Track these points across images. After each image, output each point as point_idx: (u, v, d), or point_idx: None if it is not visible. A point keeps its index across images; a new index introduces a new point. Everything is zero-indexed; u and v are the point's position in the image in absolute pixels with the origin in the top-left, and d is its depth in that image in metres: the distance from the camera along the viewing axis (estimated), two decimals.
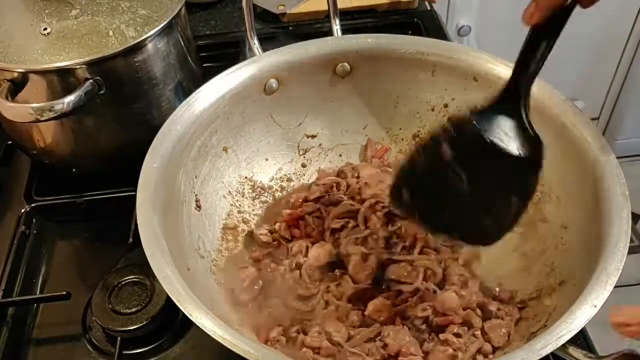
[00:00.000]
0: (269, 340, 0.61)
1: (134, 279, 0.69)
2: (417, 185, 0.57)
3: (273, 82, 0.75)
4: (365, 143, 0.81)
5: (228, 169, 0.74)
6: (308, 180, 0.80)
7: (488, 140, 0.53)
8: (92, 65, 0.71)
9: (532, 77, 0.55)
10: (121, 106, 0.77)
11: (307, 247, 0.69)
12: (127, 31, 0.77)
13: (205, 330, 0.49)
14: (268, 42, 0.81)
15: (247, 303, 0.65)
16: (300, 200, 0.74)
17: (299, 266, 0.68)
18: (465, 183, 0.54)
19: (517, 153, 0.54)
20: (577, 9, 0.55)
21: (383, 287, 0.65)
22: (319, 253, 0.68)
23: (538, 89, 0.69)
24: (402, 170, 0.58)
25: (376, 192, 0.71)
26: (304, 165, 0.81)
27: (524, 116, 0.55)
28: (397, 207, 0.60)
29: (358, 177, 0.76)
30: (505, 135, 0.54)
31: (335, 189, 0.74)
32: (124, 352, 0.65)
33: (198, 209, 0.69)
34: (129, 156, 0.69)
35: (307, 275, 0.66)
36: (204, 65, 0.92)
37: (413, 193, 0.57)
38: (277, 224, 0.72)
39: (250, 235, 0.72)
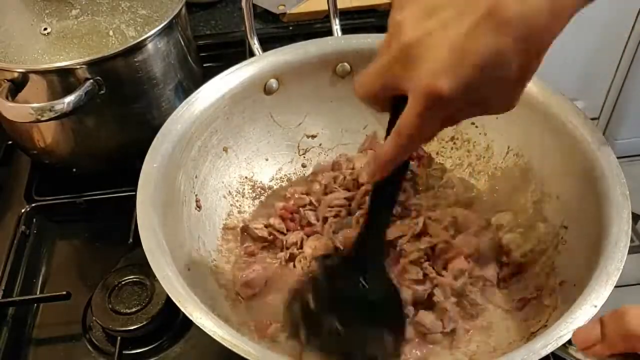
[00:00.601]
0: (267, 336, 0.61)
1: (134, 279, 0.69)
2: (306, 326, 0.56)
3: (273, 82, 0.75)
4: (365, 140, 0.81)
5: (228, 169, 0.74)
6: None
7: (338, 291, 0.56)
8: (92, 65, 0.71)
9: (382, 232, 0.57)
10: (121, 106, 0.77)
11: (302, 239, 0.70)
12: (127, 31, 0.77)
13: (205, 330, 0.49)
14: (268, 42, 0.81)
15: (247, 301, 0.65)
16: (297, 195, 0.74)
17: (293, 258, 0.68)
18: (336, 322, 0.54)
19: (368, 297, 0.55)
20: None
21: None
22: (315, 245, 0.68)
23: (538, 89, 0.69)
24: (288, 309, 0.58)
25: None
26: (304, 166, 0.81)
27: (372, 263, 0.57)
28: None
29: (353, 168, 0.76)
30: (353, 280, 0.56)
31: (333, 182, 0.74)
32: (124, 352, 0.65)
33: (198, 209, 0.69)
34: (129, 156, 0.69)
35: (300, 267, 0.67)
36: (204, 65, 0.92)
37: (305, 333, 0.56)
38: (272, 218, 0.72)
39: (245, 229, 0.72)
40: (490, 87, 0.42)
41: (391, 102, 0.47)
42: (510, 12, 0.39)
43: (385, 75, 0.45)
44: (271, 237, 0.71)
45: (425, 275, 0.64)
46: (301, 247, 0.69)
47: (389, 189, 0.53)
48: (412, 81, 0.42)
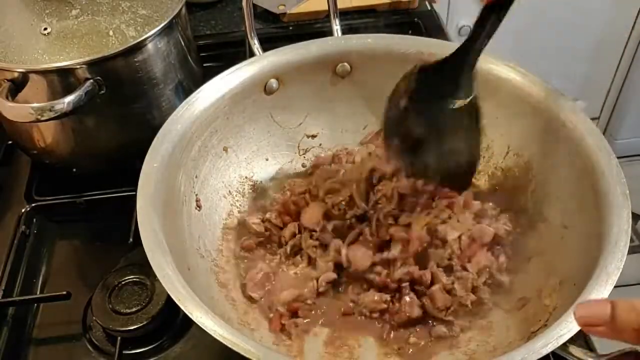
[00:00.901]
0: (283, 328, 0.63)
1: (134, 279, 0.69)
2: (397, 131, 0.65)
3: (273, 82, 0.75)
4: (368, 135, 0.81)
5: (228, 168, 0.74)
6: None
7: (427, 95, 0.62)
8: (92, 65, 0.71)
9: (479, 48, 0.61)
10: (121, 106, 0.77)
11: (298, 225, 0.70)
12: (127, 31, 0.77)
13: (205, 329, 0.49)
14: (268, 42, 0.81)
15: (258, 299, 0.66)
16: (296, 188, 0.74)
17: (295, 250, 0.69)
18: (423, 129, 0.62)
19: (451, 106, 0.62)
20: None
21: None
22: (311, 214, 0.69)
23: (538, 89, 0.69)
24: (385, 116, 0.66)
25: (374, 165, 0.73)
26: (304, 165, 0.80)
27: (462, 79, 0.62)
28: (387, 151, 0.67)
29: (353, 162, 0.77)
30: (443, 91, 0.62)
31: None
32: (124, 352, 0.65)
33: (198, 208, 0.69)
34: (129, 156, 0.69)
35: (308, 255, 0.68)
36: (204, 65, 0.92)
37: (396, 138, 0.65)
38: (269, 212, 0.72)
39: (242, 223, 0.72)
40: None
41: None
42: None
43: None
44: (267, 232, 0.71)
45: (450, 267, 0.65)
46: (300, 232, 0.70)
47: (495, 14, 0.58)
48: None
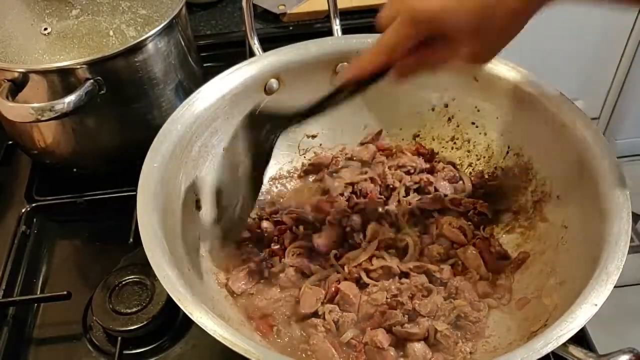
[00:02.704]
0: (271, 335, 0.62)
1: (135, 279, 0.69)
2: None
3: (273, 82, 0.75)
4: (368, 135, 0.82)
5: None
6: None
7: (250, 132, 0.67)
8: (92, 65, 0.71)
9: (314, 114, 0.65)
10: (122, 106, 0.77)
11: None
12: (127, 31, 0.77)
13: (205, 329, 0.49)
14: (268, 42, 0.81)
15: (241, 295, 0.66)
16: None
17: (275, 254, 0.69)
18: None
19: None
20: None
21: None
22: (325, 239, 0.70)
23: (538, 89, 0.69)
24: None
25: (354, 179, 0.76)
26: (304, 165, 0.80)
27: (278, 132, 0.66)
28: None
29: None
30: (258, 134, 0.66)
31: None
32: (125, 352, 0.65)
33: (198, 209, 0.69)
34: (129, 156, 0.69)
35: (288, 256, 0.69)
36: (205, 65, 0.92)
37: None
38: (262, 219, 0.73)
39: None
40: (455, 27, 0.53)
41: None
42: None
43: (391, 7, 0.57)
44: (259, 230, 0.72)
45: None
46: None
47: (348, 91, 0.61)
48: (401, 5, 0.55)
